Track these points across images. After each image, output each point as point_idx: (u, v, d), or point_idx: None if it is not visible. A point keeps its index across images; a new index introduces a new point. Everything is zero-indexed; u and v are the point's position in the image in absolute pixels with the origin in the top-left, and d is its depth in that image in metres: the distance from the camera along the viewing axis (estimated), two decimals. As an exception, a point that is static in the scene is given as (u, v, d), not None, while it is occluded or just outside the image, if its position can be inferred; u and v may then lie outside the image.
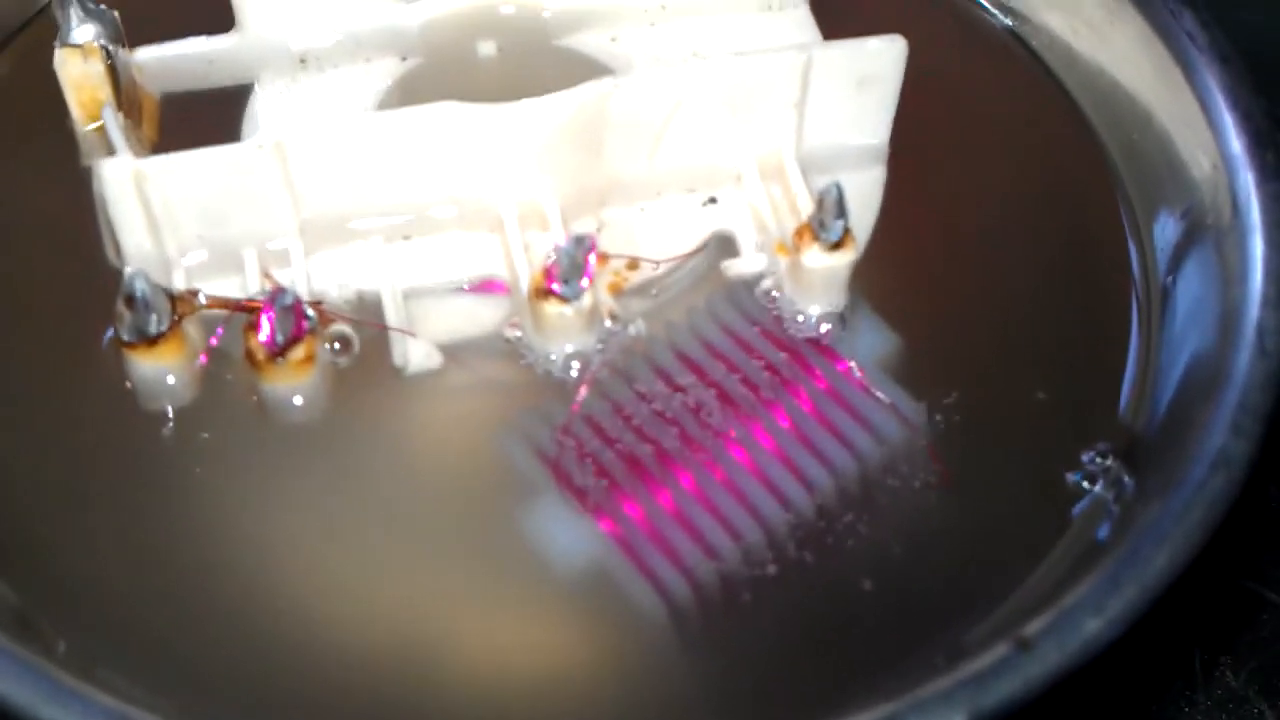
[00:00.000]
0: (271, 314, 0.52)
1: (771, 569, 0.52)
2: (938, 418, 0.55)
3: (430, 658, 0.51)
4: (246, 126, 0.61)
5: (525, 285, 0.56)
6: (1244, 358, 0.51)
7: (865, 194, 0.61)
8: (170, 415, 0.55)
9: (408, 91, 0.61)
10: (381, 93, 0.61)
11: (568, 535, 0.53)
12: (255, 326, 0.53)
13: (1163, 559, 0.46)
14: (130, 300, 0.52)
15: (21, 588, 0.51)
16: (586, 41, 0.63)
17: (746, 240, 0.59)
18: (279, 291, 0.52)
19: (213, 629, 0.52)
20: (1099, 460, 0.54)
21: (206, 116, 0.61)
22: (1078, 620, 0.45)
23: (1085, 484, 0.53)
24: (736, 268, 0.59)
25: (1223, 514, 0.47)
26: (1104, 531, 0.51)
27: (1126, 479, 0.53)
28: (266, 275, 0.55)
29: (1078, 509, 0.53)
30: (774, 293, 0.58)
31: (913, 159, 0.62)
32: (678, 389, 0.55)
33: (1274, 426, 0.50)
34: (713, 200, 0.60)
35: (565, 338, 0.55)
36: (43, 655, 0.46)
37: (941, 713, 0.43)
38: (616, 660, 0.51)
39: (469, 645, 0.52)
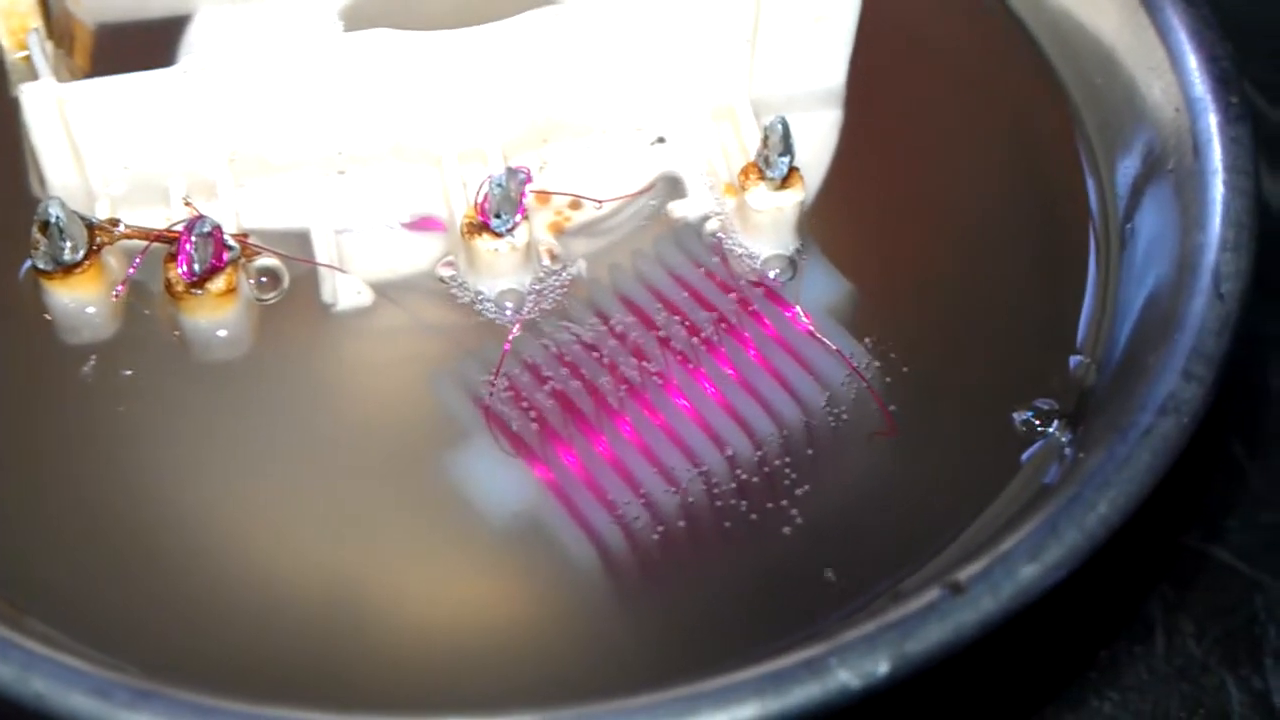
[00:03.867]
0: (189, 242, 0.50)
1: (710, 517, 0.51)
2: (886, 364, 0.54)
3: (357, 605, 0.50)
4: (181, 56, 0.59)
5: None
6: (1199, 302, 0.49)
7: (821, 137, 0.60)
8: (91, 351, 0.53)
9: (353, 23, 0.59)
10: (325, 22, 0.59)
11: (500, 481, 0.52)
12: (174, 257, 0.52)
13: (1105, 505, 0.45)
14: (45, 227, 0.51)
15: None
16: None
17: (694, 181, 0.58)
18: (197, 219, 0.51)
19: (134, 570, 0.50)
20: (1051, 404, 0.52)
21: (142, 49, 0.59)
22: (1013, 565, 0.43)
23: (1037, 425, 0.52)
24: (683, 209, 0.57)
25: (1170, 461, 0.46)
26: (1054, 476, 0.49)
27: (1078, 424, 0.51)
28: (187, 203, 0.53)
29: (1027, 455, 0.52)
30: (722, 235, 0.56)
31: (870, 102, 0.61)
32: (619, 333, 0.54)
33: (1233, 376, 0.48)
34: (661, 140, 0.59)
35: (500, 276, 0.54)
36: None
37: (865, 657, 0.41)
38: (549, 609, 0.50)
39: (397, 593, 0.50)
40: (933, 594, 0.43)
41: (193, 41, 0.60)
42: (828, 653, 0.42)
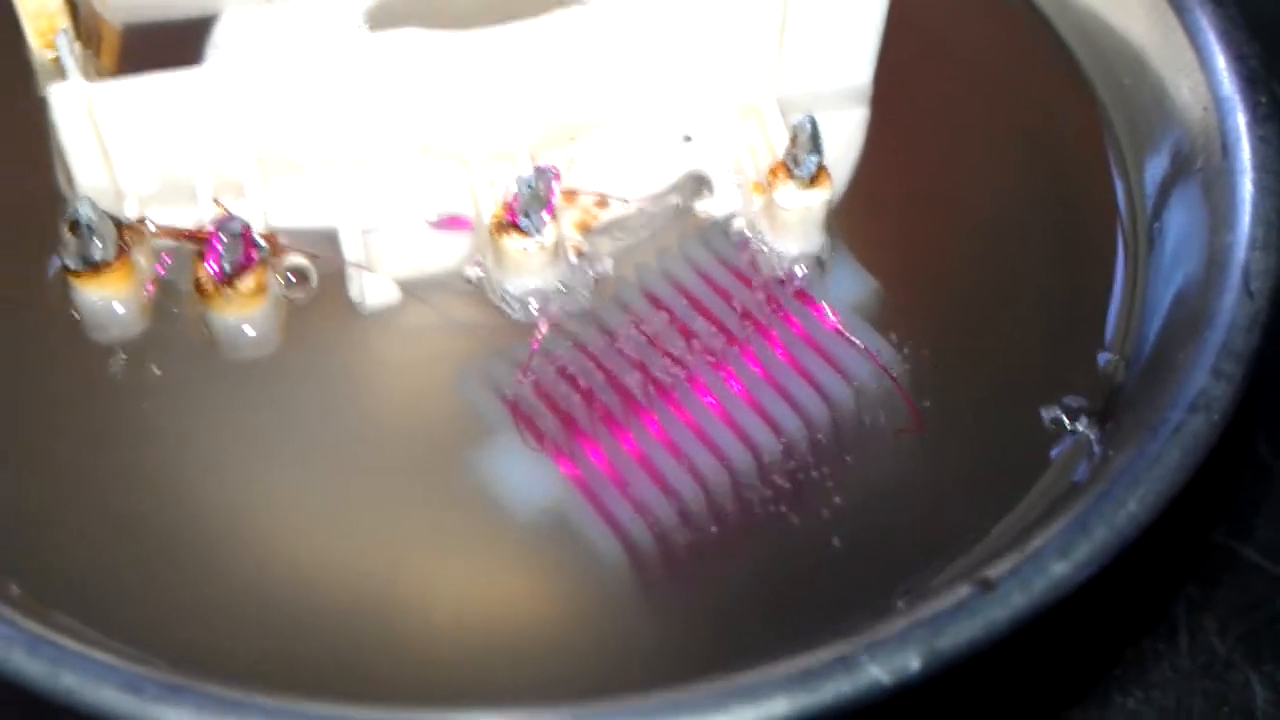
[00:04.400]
0: (219, 241, 0.50)
1: (737, 514, 0.51)
2: (913, 362, 0.54)
3: (384, 602, 0.50)
4: (208, 56, 0.59)
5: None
6: (1229, 300, 0.49)
7: (847, 135, 0.60)
8: (119, 349, 0.53)
9: (380, 22, 0.59)
10: (351, 22, 0.59)
11: (526, 478, 0.51)
12: (204, 256, 0.52)
13: (1134, 503, 0.44)
14: (75, 226, 0.51)
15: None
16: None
17: (721, 180, 0.58)
18: (227, 218, 0.51)
19: (162, 567, 0.50)
20: (1079, 401, 0.52)
21: (169, 50, 0.59)
22: (1043, 562, 0.43)
23: (1066, 422, 0.51)
24: (710, 207, 0.57)
25: (1200, 459, 0.46)
26: (1083, 474, 0.49)
27: (1107, 421, 0.51)
28: (217, 202, 0.53)
29: (1056, 451, 0.51)
30: (749, 234, 0.56)
31: (897, 101, 0.60)
32: (646, 331, 0.53)
33: (1260, 374, 0.48)
34: (688, 139, 0.59)
35: (527, 274, 0.54)
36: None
37: (897, 653, 0.41)
38: (574, 606, 0.50)
39: (424, 589, 0.50)
40: (963, 591, 0.43)
41: (219, 42, 0.60)
42: (859, 648, 0.42)
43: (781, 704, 0.41)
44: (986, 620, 0.42)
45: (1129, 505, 0.44)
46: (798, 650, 0.43)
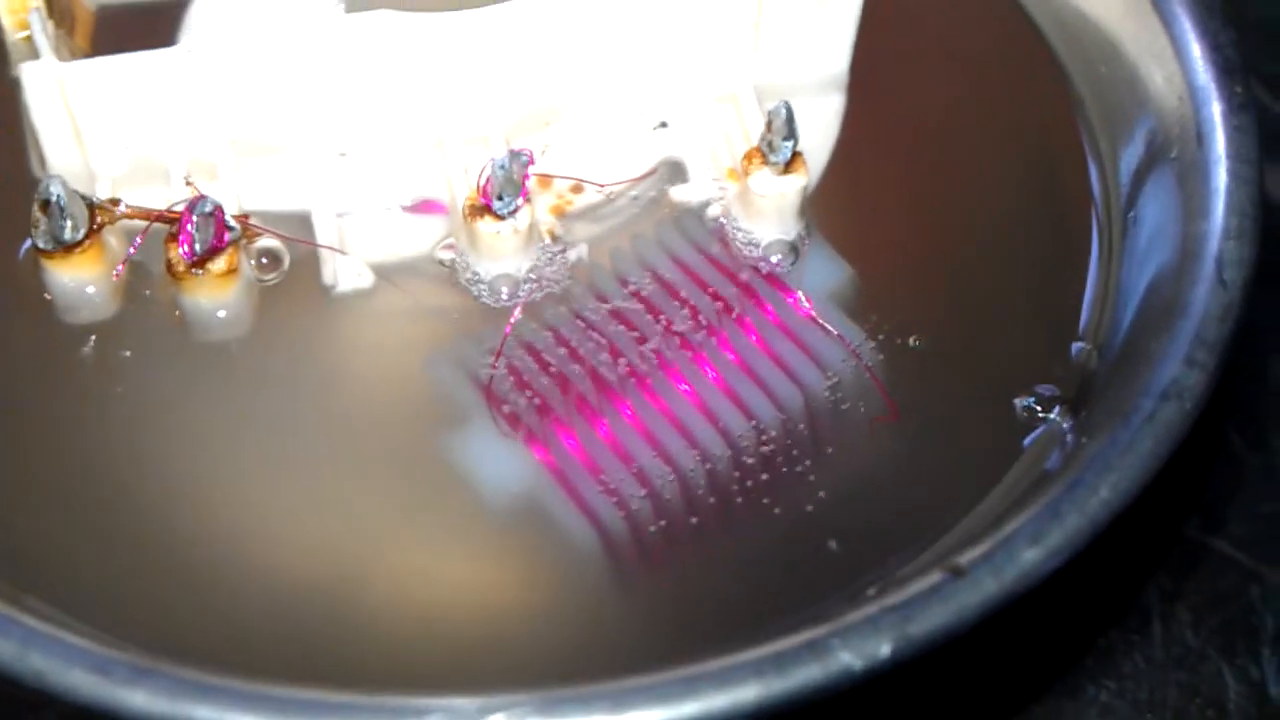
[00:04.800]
0: (190, 221, 0.50)
1: (710, 501, 0.51)
2: (887, 350, 0.54)
3: (354, 588, 0.50)
4: (182, 38, 0.58)
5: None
6: (1202, 289, 0.49)
7: (824, 122, 0.60)
8: (91, 331, 0.53)
9: (356, 4, 0.59)
10: (326, 4, 0.59)
11: (499, 464, 0.51)
12: (175, 237, 0.51)
13: (1106, 489, 0.44)
14: (45, 205, 0.51)
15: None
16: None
17: (697, 166, 0.57)
18: (199, 199, 0.50)
19: (133, 551, 0.50)
20: (1052, 390, 0.52)
21: (143, 31, 0.59)
22: (1014, 549, 0.43)
23: (1039, 411, 0.51)
24: (686, 194, 0.57)
25: (1172, 446, 0.46)
26: (1055, 463, 0.49)
27: (1080, 410, 0.51)
28: (189, 183, 0.53)
29: (1030, 439, 0.51)
30: (724, 220, 0.56)
31: (873, 89, 0.60)
32: (620, 317, 0.53)
33: (1233, 367, 0.48)
34: (663, 125, 0.58)
35: (501, 258, 0.54)
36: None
37: (868, 639, 0.41)
38: (547, 591, 0.50)
39: (395, 576, 0.50)
40: (935, 577, 0.43)
41: (193, 23, 0.59)
42: (830, 634, 0.41)
43: (752, 689, 0.41)
44: (958, 606, 0.42)
45: (1101, 492, 0.44)
46: (769, 636, 0.43)
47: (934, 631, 0.42)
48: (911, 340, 0.54)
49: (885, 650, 0.41)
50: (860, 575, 0.48)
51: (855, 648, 0.41)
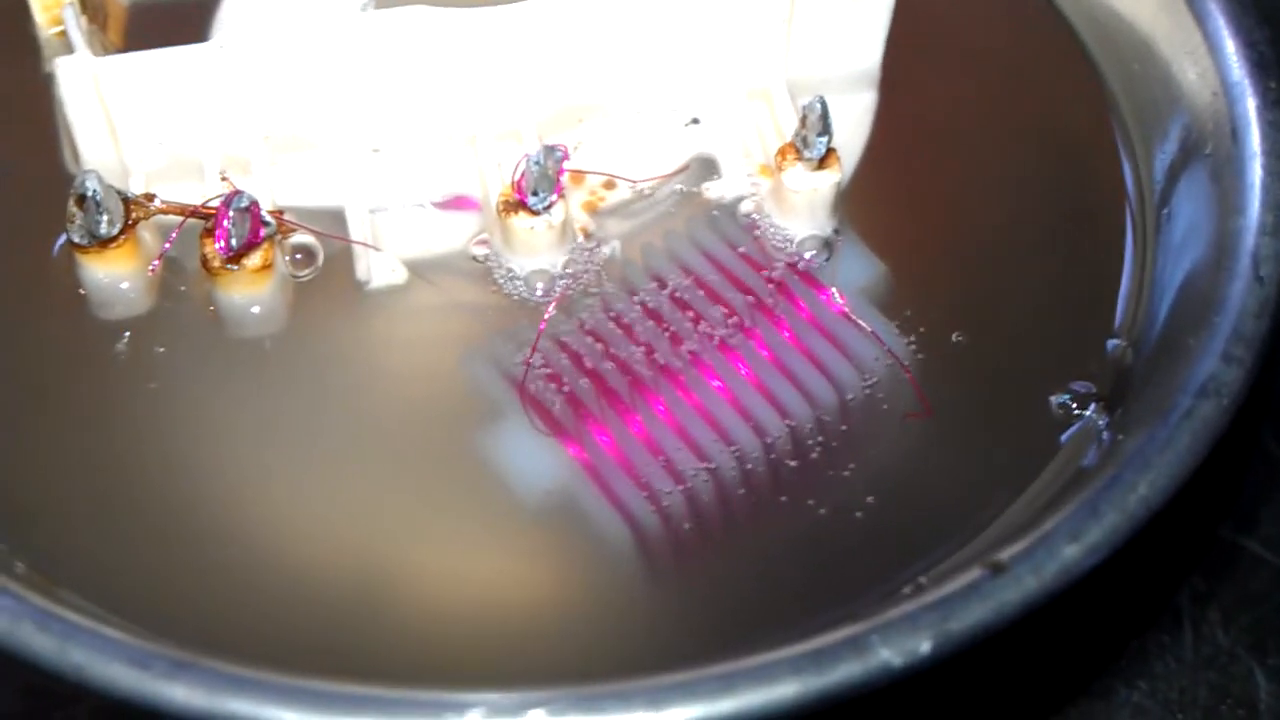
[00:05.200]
0: (226, 217, 0.50)
1: (745, 498, 0.51)
2: (921, 347, 0.54)
3: (388, 584, 0.50)
4: (214, 34, 0.59)
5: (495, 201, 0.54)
6: (1239, 285, 0.49)
7: (856, 119, 0.60)
8: (125, 327, 0.53)
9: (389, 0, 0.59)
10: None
11: (533, 460, 0.51)
12: (211, 233, 0.51)
13: (1145, 486, 0.44)
14: (81, 200, 0.51)
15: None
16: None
17: (729, 162, 0.57)
18: (235, 194, 0.50)
19: (168, 548, 0.50)
20: (1088, 387, 0.52)
21: (175, 27, 0.59)
22: (1054, 546, 0.43)
23: (1074, 408, 0.51)
24: (718, 190, 0.57)
25: (1210, 443, 0.46)
26: (1092, 459, 0.49)
27: (1116, 407, 0.50)
28: (224, 178, 0.53)
29: (1066, 436, 0.51)
30: (756, 216, 0.56)
31: (906, 85, 0.60)
32: (653, 313, 0.53)
33: (1269, 368, 0.48)
34: (695, 121, 0.58)
35: (535, 254, 0.54)
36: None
37: (908, 636, 0.41)
38: (581, 589, 0.50)
39: (428, 573, 0.50)
40: (974, 574, 0.43)
41: (225, 19, 0.59)
42: (870, 630, 0.41)
43: (790, 686, 0.41)
44: (998, 603, 0.42)
45: (1139, 489, 0.44)
46: (807, 633, 0.43)
47: (974, 628, 0.42)
48: (954, 336, 0.53)
49: (926, 647, 0.41)
50: (896, 572, 0.48)
51: (895, 644, 0.41)
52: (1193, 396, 0.46)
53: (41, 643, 0.41)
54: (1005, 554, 0.43)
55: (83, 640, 0.42)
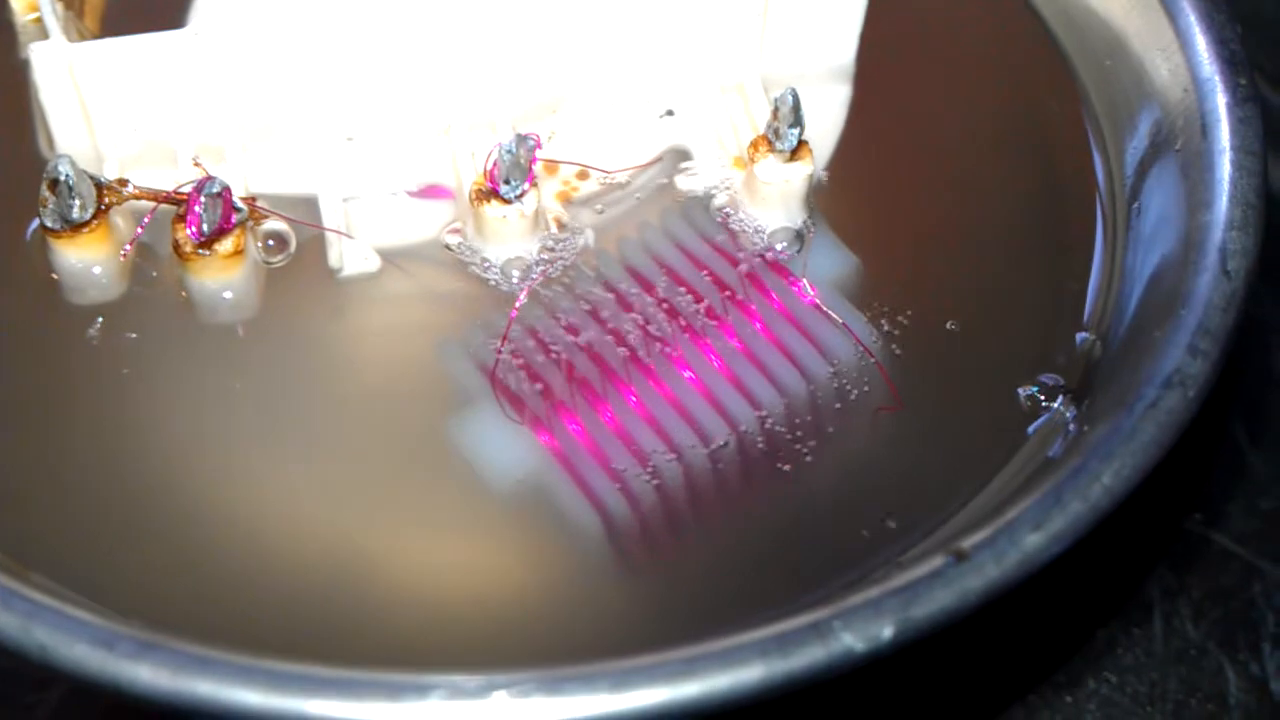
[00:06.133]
0: (198, 202, 0.50)
1: (713, 486, 0.51)
2: (891, 338, 0.54)
3: (359, 570, 0.50)
4: (191, 19, 0.59)
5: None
6: (1206, 279, 0.49)
7: (830, 112, 0.60)
8: (97, 312, 0.53)
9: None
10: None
11: (504, 448, 0.51)
12: (183, 218, 0.51)
13: (1109, 476, 0.45)
14: (54, 185, 0.51)
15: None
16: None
17: (703, 154, 0.57)
18: (207, 180, 0.50)
19: (138, 529, 0.50)
20: (1056, 380, 0.52)
21: (151, 14, 0.59)
22: (1017, 534, 0.43)
23: (1042, 400, 0.52)
24: (691, 182, 0.57)
25: (1175, 435, 0.46)
26: (1058, 450, 0.49)
27: (1083, 399, 0.51)
28: (196, 163, 0.53)
29: (1033, 427, 0.52)
30: (729, 209, 0.56)
31: (879, 79, 0.61)
32: (625, 303, 0.53)
33: (1236, 362, 0.48)
34: (670, 113, 0.59)
35: (507, 243, 0.54)
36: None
37: (870, 621, 0.41)
38: (551, 574, 0.50)
39: (400, 560, 0.50)
40: (937, 561, 0.43)
41: (201, 6, 0.59)
42: (832, 615, 0.42)
43: (755, 670, 0.41)
44: (960, 590, 0.42)
45: (1103, 478, 0.45)
46: (772, 618, 0.43)
47: (936, 615, 0.42)
48: (924, 328, 0.54)
49: (888, 632, 0.41)
50: (863, 560, 0.48)
51: (858, 630, 0.41)
52: (1158, 388, 0.46)
53: (5, 621, 0.41)
54: (968, 542, 0.43)
55: (47, 619, 0.42)
